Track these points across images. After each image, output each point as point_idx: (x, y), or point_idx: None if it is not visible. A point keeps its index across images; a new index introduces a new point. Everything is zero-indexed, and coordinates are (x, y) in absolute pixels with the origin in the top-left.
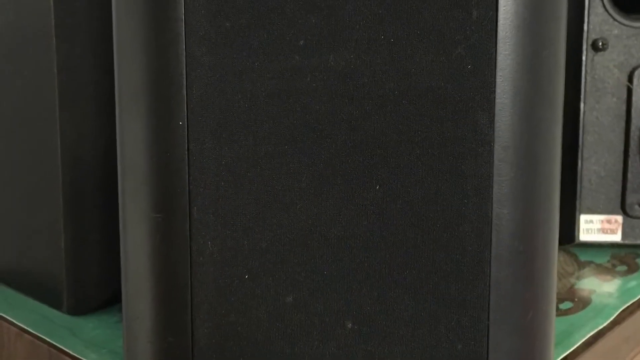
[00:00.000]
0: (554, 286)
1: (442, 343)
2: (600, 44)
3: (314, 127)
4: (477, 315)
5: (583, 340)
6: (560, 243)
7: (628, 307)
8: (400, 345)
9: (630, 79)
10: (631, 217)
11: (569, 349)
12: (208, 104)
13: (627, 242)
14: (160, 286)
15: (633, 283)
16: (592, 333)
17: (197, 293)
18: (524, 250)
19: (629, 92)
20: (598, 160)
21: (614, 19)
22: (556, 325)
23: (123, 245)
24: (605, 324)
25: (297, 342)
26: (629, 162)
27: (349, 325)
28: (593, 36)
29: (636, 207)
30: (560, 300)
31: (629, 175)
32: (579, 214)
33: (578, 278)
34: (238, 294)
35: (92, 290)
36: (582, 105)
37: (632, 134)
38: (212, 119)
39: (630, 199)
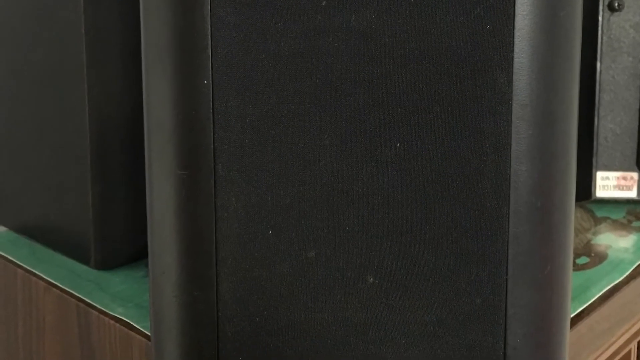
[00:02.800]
0: (571, 241)
1: (462, 297)
2: (616, 4)
3: (336, 86)
4: (495, 270)
5: (599, 294)
6: (577, 199)
7: None
8: (421, 300)
9: None
10: None
11: (586, 302)
12: (232, 63)
13: None
14: (185, 241)
15: None
16: (608, 287)
17: (221, 248)
18: (541, 206)
19: None
20: (614, 118)
21: None
22: (573, 279)
23: (149, 201)
24: (621, 279)
25: (319, 296)
26: None
27: (370, 280)
28: None
29: None
30: (577, 255)
31: None
32: (595, 171)
33: (594, 234)
34: (261, 249)
35: (119, 245)
36: (598, 64)
37: None
38: (237, 78)
39: None
